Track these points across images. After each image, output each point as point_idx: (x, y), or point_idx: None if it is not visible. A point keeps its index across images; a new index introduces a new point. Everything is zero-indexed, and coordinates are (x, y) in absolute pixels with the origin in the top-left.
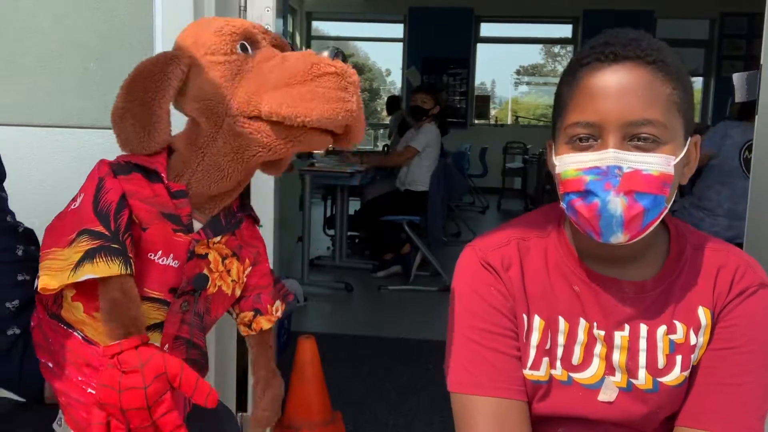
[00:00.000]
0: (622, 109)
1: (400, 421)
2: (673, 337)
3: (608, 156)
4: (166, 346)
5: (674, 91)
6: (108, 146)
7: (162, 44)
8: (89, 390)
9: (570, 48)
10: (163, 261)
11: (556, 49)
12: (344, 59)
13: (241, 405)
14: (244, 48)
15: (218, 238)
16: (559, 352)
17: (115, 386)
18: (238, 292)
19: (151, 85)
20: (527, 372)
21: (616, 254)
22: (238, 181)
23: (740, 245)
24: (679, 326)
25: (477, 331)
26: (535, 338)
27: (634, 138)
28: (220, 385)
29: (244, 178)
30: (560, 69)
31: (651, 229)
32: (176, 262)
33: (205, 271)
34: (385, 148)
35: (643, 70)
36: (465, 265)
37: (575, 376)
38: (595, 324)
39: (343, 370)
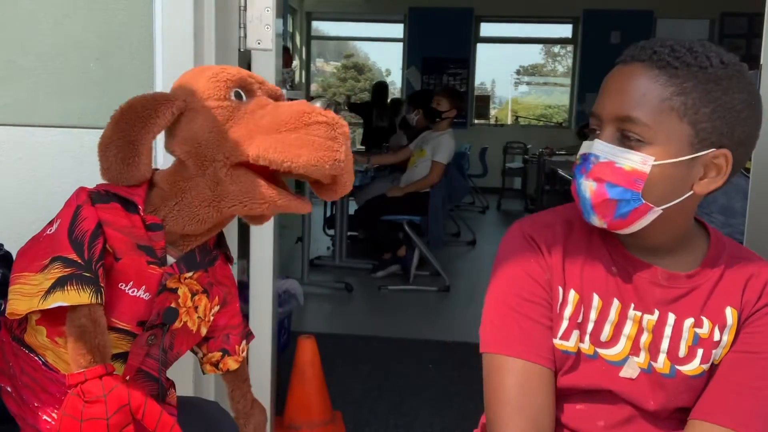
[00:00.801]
0: (612, 104)
1: (400, 421)
2: (698, 330)
3: (594, 145)
4: (127, 377)
5: (676, 97)
6: None
7: (162, 44)
8: (44, 417)
9: (570, 48)
10: (133, 292)
11: (556, 49)
12: (336, 110)
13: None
14: (238, 95)
15: (190, 274)
16: (590, 327)
17: (77, 416)
18: (203, 331)
19: (138, 121)
20: (557, 342)
21: (646, 244)
22: (211, 227)
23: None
24: (706, 322)
25: (513, 298)
26: (568, 311)
27: (624, 134)
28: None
29: (217, 224)
30: (560, 69)
31: (638, 223)
32: (147, 294)
33: (173, 305)
34: (386, 148)
35: (646, 71)
36: (510, 237)
37: (601, 351)
38: (632, 305)
39: (343, 370)
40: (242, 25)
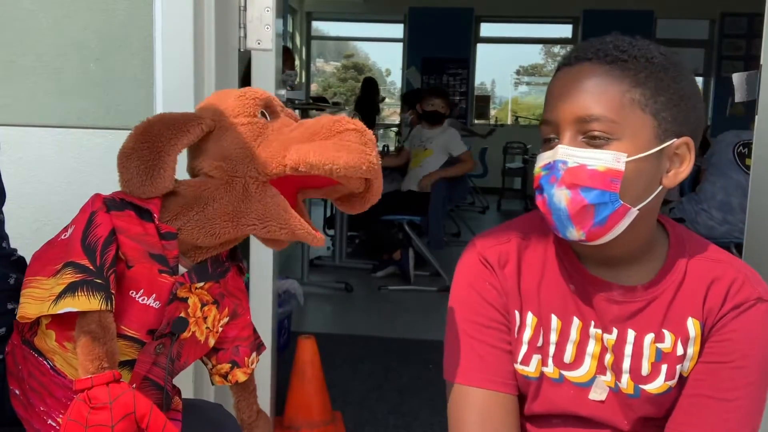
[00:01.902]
0: (571, 106)
1: (400, 421)
2: (660, 345)
3: (557, 152)
4: (134, 386)
5: (634, 89)
6: (108, 146)
7: (162, 44)
8: (50, 422)
9: (570, 48)
10: (144, 300)
11: (556, 49)
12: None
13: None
14: (263, 115)
15: (201, 284)
16: (552, 350)
17: (82, 422)
18: (211, 342)
19: (165, 133)
20: (518, 366)
21: (608, 256)
22: (225, 242)
23: (735, 243)
24: (668, 335)
25: (470, 324)
26: (527, 334)
27: (587, 135)
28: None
29: (231, 240)
30: None
31: (616, 228)
32: (157, 303)
33: (182, 315)
34: (386, 149)
35: (598, 69)
36: (464, 260)
37: (567, 374)
38: (592, 323)
39: (343, 370)
40: (242, 25)
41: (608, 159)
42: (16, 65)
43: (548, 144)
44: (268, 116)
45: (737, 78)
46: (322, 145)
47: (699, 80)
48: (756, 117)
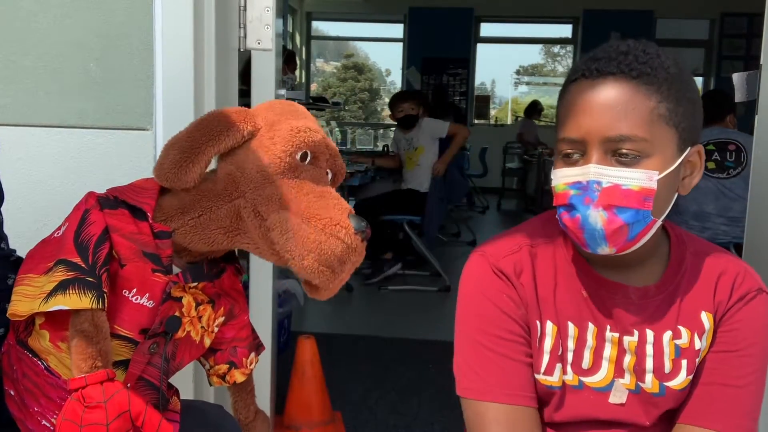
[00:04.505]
0: (601, 125)
1: (400, 422)
2: (678, 342)
3: (589, 171)
4: (128, 385)
5: (660, 104)
6: (108, 146)
7: (162, 44)
8: (44, 422)
9: (570, 48)
10: (137, 299)
11: (556, 49)
12: (365, 238)
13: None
14: (304, 156)
15: (195, 283)
16: (570, 357)
17: (77, 420)
18: (207, 342)
19: (208, 131)
20: (541, 377)
21: (621, 260)
22: (216, 250)
23: (734, 243)
24: (684, 331)
25: (489, 337)
26: (548, 344)
27: (616, 153)
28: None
29: (223, 249)
30: (560, 69)
31: (642, 240)
32: (151, 302)
33: (177, 314)
34: (385, 149)
35: (625, 85)
36: (475, 271)
37: (586, 380)
38: (608, 327)
39: (343, 370)
40: (242, 25)
41: (642, 178)
42: (16, 65)
43: (569, 159)
44: (309, 158)
45: (737, 78)
46: (304, 235)
47: (699, 80)
48: (756, 117)
